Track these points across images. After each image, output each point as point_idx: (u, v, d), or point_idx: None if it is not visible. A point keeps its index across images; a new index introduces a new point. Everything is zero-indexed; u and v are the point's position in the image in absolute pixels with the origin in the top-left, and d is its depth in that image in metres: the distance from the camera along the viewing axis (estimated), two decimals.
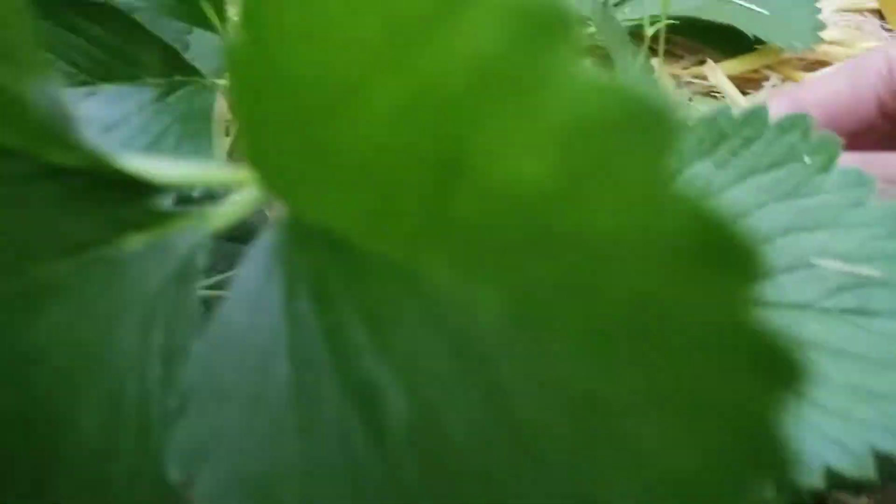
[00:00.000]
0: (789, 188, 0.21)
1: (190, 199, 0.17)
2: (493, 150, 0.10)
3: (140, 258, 0.15)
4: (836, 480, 0.19)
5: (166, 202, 0.15)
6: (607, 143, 0.09)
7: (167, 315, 0.15)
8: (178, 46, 0.31)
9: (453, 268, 0.11)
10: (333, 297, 0.13)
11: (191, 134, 0.29)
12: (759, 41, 0.43)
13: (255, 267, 0.15)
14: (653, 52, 0.38)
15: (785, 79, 0.44)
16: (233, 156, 0.32)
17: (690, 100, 0.43)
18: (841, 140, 0.22)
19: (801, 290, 0.21)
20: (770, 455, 0.10)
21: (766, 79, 0.45)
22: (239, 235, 0.36)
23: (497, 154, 0.10)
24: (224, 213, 0.16)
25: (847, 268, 0.21)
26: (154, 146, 0.29)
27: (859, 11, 0.49)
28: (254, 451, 0.13)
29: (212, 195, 0.16)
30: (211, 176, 0.16)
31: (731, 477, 0.10)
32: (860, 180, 0.22)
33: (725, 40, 0.44)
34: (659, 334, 0.10)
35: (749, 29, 0.42)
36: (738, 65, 0.45)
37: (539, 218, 0.10)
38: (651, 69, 0.36)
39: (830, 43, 0.45)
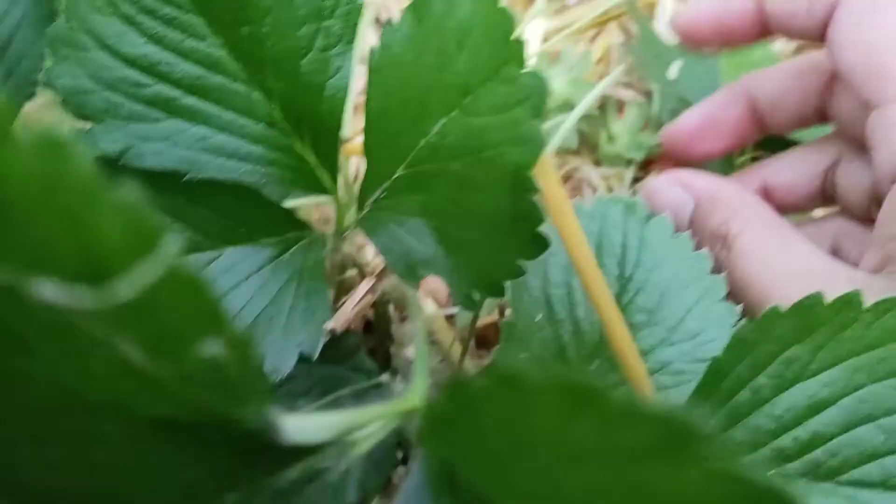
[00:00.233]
0: None
1: None
2: None
3: (297, 485, 0.17)
4: None
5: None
6: None
7: None
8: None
9: None
10: None
11: (307, 293, 0.31)
12: None
13: None
14: None
15: None
16: (336, 304, 0.35)
17: None
18: None
19: None
20: None
21: None
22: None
23: None
24: (368, 437, 0.18)
25: None
26: (273, 305, 0.32)
27: None
28: None
29: None
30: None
31: None
32: None
33: None
34: None
35: None
36: None
37: None
38: None
39: None
